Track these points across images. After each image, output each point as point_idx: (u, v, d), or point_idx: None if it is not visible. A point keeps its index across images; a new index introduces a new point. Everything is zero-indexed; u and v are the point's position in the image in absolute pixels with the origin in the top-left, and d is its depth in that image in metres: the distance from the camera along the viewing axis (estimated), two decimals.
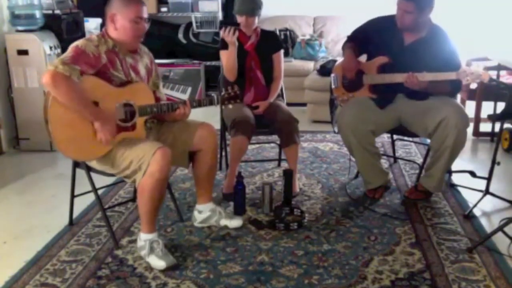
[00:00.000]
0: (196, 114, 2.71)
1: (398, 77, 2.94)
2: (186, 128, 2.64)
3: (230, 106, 2.68)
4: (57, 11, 4.28)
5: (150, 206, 2.40)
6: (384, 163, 3.69)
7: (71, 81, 2.28)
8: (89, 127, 2.38)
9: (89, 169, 2.60)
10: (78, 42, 2.42)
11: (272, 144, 4.12)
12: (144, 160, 2.32)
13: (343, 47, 3.26)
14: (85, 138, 2.38)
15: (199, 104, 2.64)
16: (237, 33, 3.09)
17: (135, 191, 3.05)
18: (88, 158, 2.51)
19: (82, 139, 2.38)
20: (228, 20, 5.24)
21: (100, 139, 2.37)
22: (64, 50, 4.06)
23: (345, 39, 3.29)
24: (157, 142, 2.47)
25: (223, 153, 3.57)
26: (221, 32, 3.09)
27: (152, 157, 2.30)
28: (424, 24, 2.96)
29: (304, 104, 5.00)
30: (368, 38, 3.13)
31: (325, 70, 4.74)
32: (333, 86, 3.26)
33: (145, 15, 2.51)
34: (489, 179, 3.00)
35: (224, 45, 3.16)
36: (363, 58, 3.22)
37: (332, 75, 3.27)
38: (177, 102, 2.58)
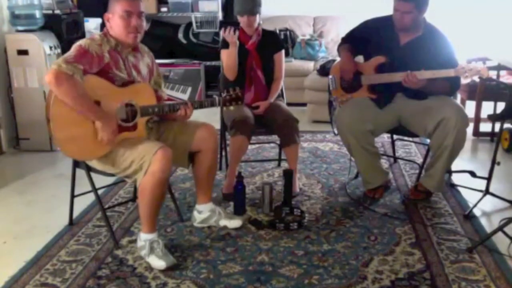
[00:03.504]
0: (196, 114, 2.71)
1: (396, 76, 2.94)
2: (186, 128, 2.64)
3: (232, 108, 2.68)
4: (57, 11, 4.28)
5: (150, 206, 2.40)
6: (384, 163, 3.69)
7: (74, 80, 2.28)
8: (90, 127, 2.37)
9: (89, 169, 2.60)
10: (81, 42, 2.42)
11: (272, 144, 4.12)
12: (146, 160, 2.32)
13: (339, 49, 3.27)
14: (86, 138, 2.38)
15: (201, 105, 2.64)
16: (237, 32, 3.09)
17: (135, 191, 3.06)
18: (88, 158, 2.51)
19: (83, 138, 2.38)
20: (229, 20, 5.24)
21: (101, 138, 2.37)
22: (64, 50, 4.10)
23: None
24: (158, 142, 2.48)
25: (223, 153, 3.57)
26: (222, 32, 3.09)
27: (154, 156, 2.30)
28: (420, 24, 2.97)
29: (304, 104, 5.01)
30: (364, 39, 3.13)
31: (325, 70, 4.73)
32: (331, 88, 3.26)
33: (138, 10, 2.45)
34: (489, 179, 3.00)
35: (225, 44, 3.16)
36: (358, 59, 3.22)
37: (330, 76, 3.26)
38: (179, 103, 2.57)
